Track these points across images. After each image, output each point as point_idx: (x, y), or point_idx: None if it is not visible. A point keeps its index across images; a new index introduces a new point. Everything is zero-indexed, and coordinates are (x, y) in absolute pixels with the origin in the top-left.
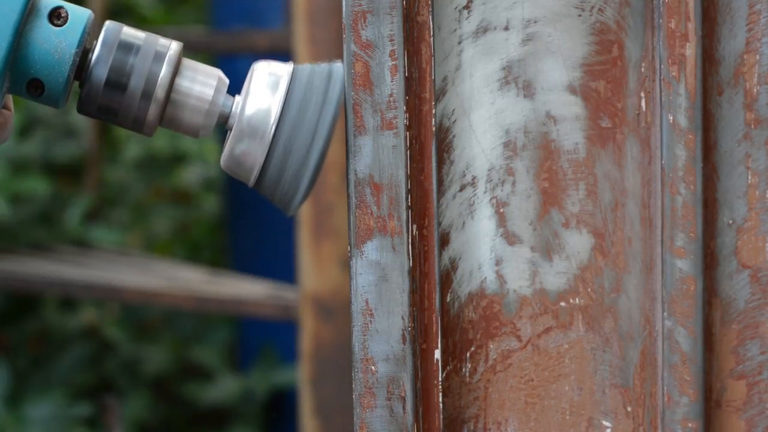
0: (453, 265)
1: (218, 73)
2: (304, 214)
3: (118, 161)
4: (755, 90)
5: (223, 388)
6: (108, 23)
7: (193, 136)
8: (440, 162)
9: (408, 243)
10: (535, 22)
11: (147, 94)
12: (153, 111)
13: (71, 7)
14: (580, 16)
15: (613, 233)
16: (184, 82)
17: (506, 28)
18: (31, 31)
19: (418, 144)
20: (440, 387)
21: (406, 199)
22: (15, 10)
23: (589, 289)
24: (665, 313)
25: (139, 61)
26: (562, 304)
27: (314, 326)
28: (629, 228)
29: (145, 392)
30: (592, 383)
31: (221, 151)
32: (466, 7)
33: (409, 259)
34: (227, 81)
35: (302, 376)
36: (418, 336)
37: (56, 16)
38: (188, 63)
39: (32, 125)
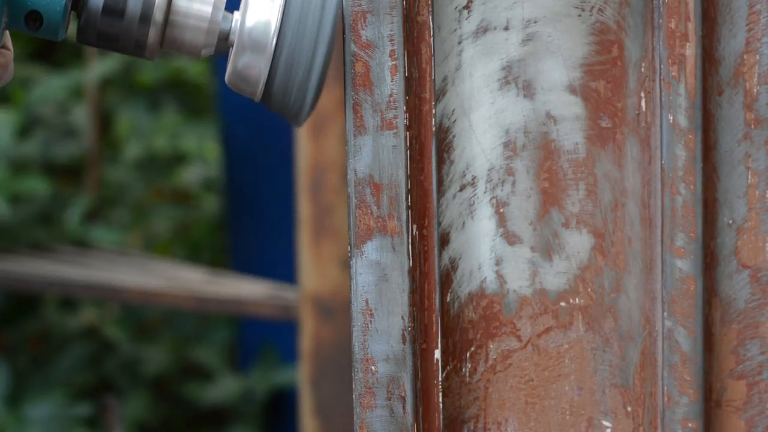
0: (453, 265)
1: None
2: (304, 214)
3: (118, 161)
4: (755, 90)
5: (223, 388)
6: None
7: (196, 57)
8: (440, 162)
9: (408, 243)
10: (535, 22)
11: (145, 18)
12: (153, 34)
13: None
14: (580, 16)
15: (613, 233)
16: (181, 2)
17: (506, 28)
18: None
19: (418, 144)
20: (440, 387)
21: (406, 199)
22: None
23: (589, 289)
24: (665, 313)
25: None
26: (562, 304)
27: (314, 326)
28: (629, 228)
29: (145, 392)
30: (592, 383)
31: (226, 66)
32: (466, 7)
33: (409, 259)
34: None
35: (302, 376)
36: (418, 336)
37: None
38: None
39: (32, 125)
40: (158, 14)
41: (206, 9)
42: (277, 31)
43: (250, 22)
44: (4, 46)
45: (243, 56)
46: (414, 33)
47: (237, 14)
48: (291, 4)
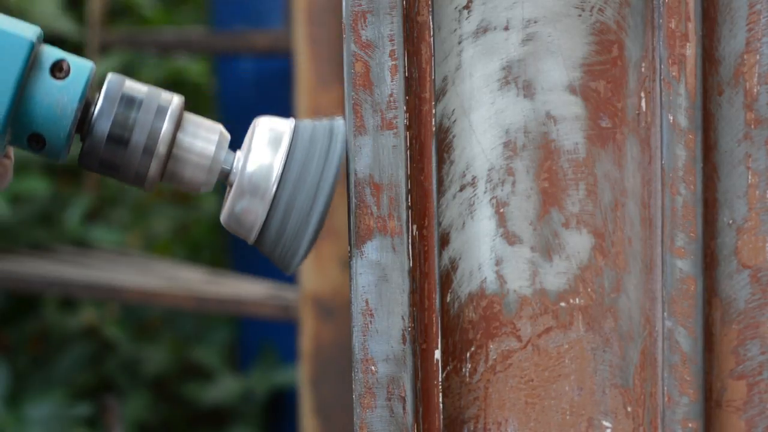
0: (453, 265)
1: (219, 128)
2: None
3: None
4: (755, 90)
5: (223, 388)
6: (110, 76)
7: (194, 192)
8: (440, 162)
9: (408, 243)
10: (535, 22)
11: (149, 150)
12: (155, 167)
13: (73, 59)
14: (580, 16)
15: (613, 233)
16: (186, 138)
17: (506, 28)
18: (33, 85)
19: (418, 144)
20: (440, 387)
21: (406, 199)
22: (17, 65)
23: (589, 289)
24: (665, 313)
25: (142, 115)
26: (562, 304)
27: (314, 326)
28: (629, 228)
29: (145, 392)
30: (592, 383)
31: (222, 207)
32: (466, 7)
33: (409, 259)
34: (228, 136)
35: (302, 376)
36: (418, 336)
37: (58, 68)
38: (190, 117)
39: None
40: (162, 147)
41: (209, 147)
42: (278, 180)
43: (251, 166)
44: (5, 156)
45: (241, 200)
46: (414, 33)
47: (239, 154)
48: (295, 151)
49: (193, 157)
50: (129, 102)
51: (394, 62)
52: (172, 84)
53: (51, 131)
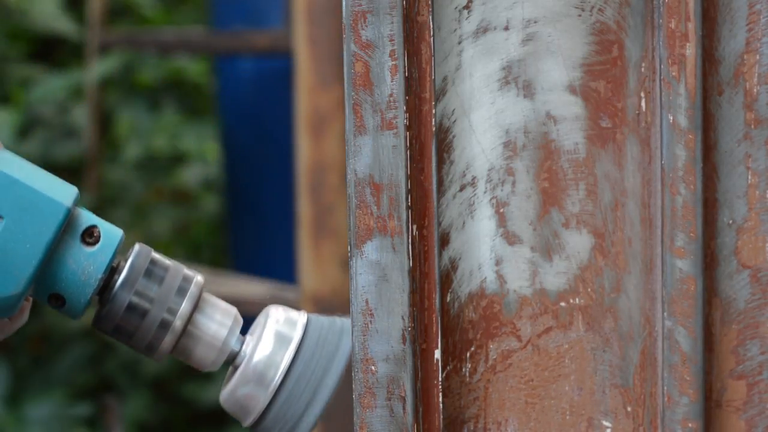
0: (453, 265)
1: (234, 312)
2: (304, 214)
3: (118, 161)
4: (755, 90)
5: None
6: (138, 247)
7: (200, 369)
8: (440, 162)
9: (408, 243)
10: (535, 22)
11: (165, 324)
12: (168, 341)
13: (104, 227)
14: (580, 16)
15: (613, 233)
16: (202, 319)
17: (506, 28)
18: (62, 249)
19: (418, 144)
20: (440, 387)
21: (406, 199)
22: (50, 230)
23: (589, 289)
24: (665, 313)
25: (163, 290)
26: (562, 304)
27: None
28: (629, 228)
29: (145, 392)
30: (592, 383)
31: (224, 386)
32: (466, 7)
33: (409, 259)
34: (241, 321)
35: None
36: (418, 336)
37: (89, 234)
38: (208, 298)
39: (32, 125)
40: (179, 324)
41: (222, 331)
42: (283, 374)
43: (259, 356)
44: (25, 298)
45: (245, 386)
46: (414, 33)
47: (249, 339)
48: (303, 347)
49: (205, 337)
50: (153, 276)
51: (394, 62)
52: (172, 84)
53: (73, 295)
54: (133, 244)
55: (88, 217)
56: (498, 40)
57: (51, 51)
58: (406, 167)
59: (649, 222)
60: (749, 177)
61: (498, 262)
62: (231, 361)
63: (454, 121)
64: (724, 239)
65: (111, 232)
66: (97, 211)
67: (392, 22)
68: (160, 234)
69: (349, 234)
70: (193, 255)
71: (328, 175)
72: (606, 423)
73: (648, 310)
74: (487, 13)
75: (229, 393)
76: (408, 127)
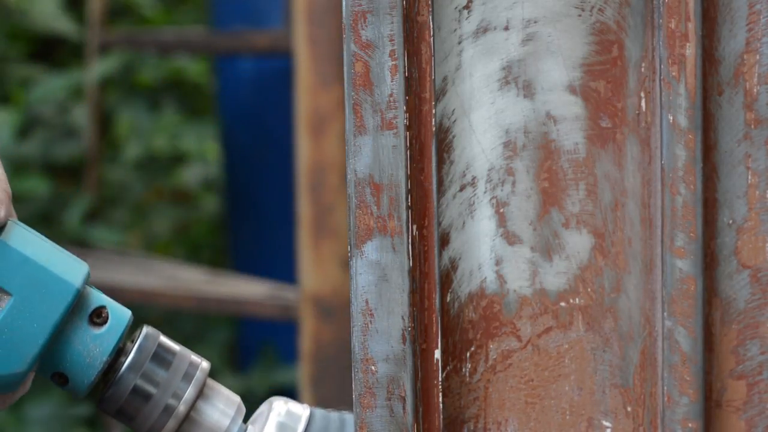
0: (453, 265)
1: (237, 400)
2: (304, 214)
3: (118, 161)
4: (755, 90)
5: None
6: (146, 329)
7: None
8: (440, 162)
9: (408, 243)
10: (535, 22)
11: (169, 409)
12: (171, 425)
13: (113, 307)
14: (580, 16)
15: (613, 233)
16: (205, 406)
17: (506, 28)
18: (69, 329)
19: (418, 144)
20: (440, 387)
21: (406, 199)
22: (59, 310)
23: (589, 289)
24: (665, 313)
25: (170, 376)
26: (562, 304)
27: (314, 326)
28: (629, 228)
29: None
30: (592, 383)
31: None
32: (466, 7)
33: (409, 259)
34: (244, 410)
35: (302, 376)
36: (418, 336)
37: (97, 314)
38: (212, 385)
39: (32, 125)
40: (182, 409)
41: (224, 421)
42: None
43: None
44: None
45: None
46: (414, 33)
47: (251, 430)
48: None
49: (207, 424)
50: (160, 360)
51: (394, 62)
52: (172, 84)
53: (77, 376)
54: (140, 327)
55: (97, 298)
56: (498, 40)
57: (51, 51)
58: (406, 167)
59: (649, 222)
60: (749, 177)
61: (498, 262)
62: None
63: (454, 121)
64: (724, 239)
65: (119, 314)
66: (97, 211)
67: (392, 22)
68: (160, 234)
69: (349, 234)
70: (193, 255)
71: (328, 175)
72: (606, 423)
73: (648, 310)
74: (487, 13)
75: None
76: (408, 127)
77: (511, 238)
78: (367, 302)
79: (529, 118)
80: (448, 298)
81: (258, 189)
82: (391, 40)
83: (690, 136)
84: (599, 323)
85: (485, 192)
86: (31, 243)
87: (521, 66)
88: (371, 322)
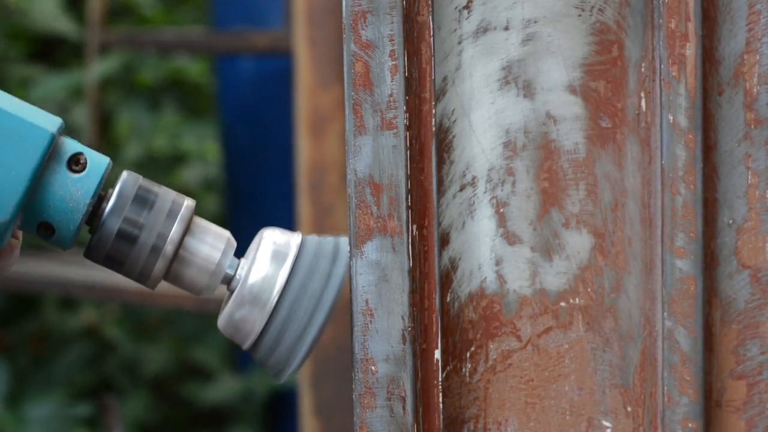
0: (453, 265)
1: (227, 235)
2: (304, 214)
3: (118, 161)
4: (755, 90)
5: (223, 388)
6: (125, 174)
7: (195, 294)
8: (440, 162)
9: (408, 243)
10: (535, 22)
11: (156, 250)
12: (160, 266)
13: (91, 154)
14: (580, 16)
15: (613, 233)
16: (193, 242)
17: (506, 28)
18: (49, 176)
19: (418, 144)
20: (440, 387)
21: (406, 199)
22: (36, 156)
23: (589, 289)
24: (665, 313)
25: (153, 216)
26: (562, 304)
27: None
28: (629, 228)
29: (145, 392)
30: (592, 383)
31: (221, 311)
32: (466, 7)
33: (409, 259)
34: (235, 244)
35: (302, 376)
36: (418, 336)
37: (75, 161)
38: (199, 222)
39: None
40: (170, 248)
41: (215, 254)
42: (279, 294)
43: (254, 278)
44: (13, 236)
45: (241, 308)
46: (414, 33)
47: (243, 262)
48: (298, 267)
49: (198, 260)
50: (141, 202)
51: (394, 62)
52: (172, 84)
53: (61, 222)
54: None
55: (73, 146)
56: (498, 40)
57: (51, 51)
58: (406, 167)
59: (649, 222)
60: (749, 177)
61: (498, 262)
62: (227, 285)
63: (454, 121)
64: (724, 239)
65: (97, 160)
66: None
67: (392, 22)
68: None
69: (349, 234)
70: None
71: (328, 175)
72: (606, 423)
73: (648, 310)
74: (487, 13)
75: (226, 317)
76: (408, 127)
77: (511, 238)
78: (367, 302)
79: (529, 118)
80: (448, 298)
81: (258, 189)
82: (391, 40)
83: (690, 136)
84: (599, 323)
85: (485, 192)
86: (3, 97)
87: (521, 66)
88: (371, 322)
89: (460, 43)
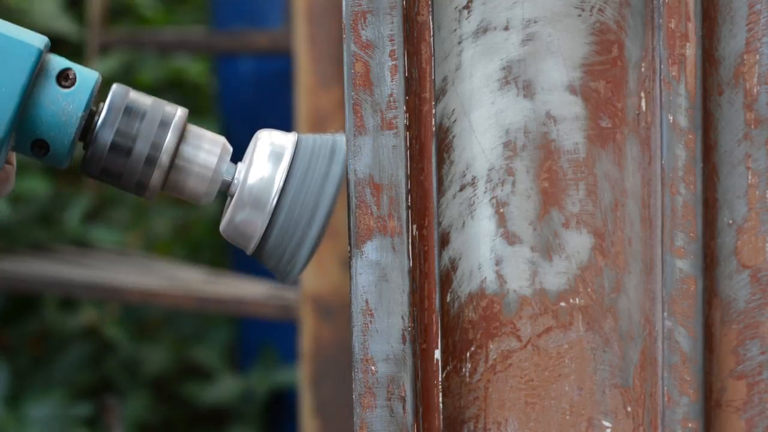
0: (453, 265)
1: (222, 140)
2: None
3: None
4: (755, 90)
5: (223, 388)
6: (115, 86)
7: (195, 203)
8: (440, 162)
9: (408, 243)
10: (535, 22)
11: (151, 160)
12: (156, 176)
13: (79, 69)
14: (580, 16)
15: (613, 233)
16: (188, 149)
17: (506, 28)
18: (39, 92)
19: (418, 144)
20: (440, 387)
21: (406, 199)
22: (24, 72)
23: (589, 289)
24: (665, 313)
25: (145, 126)
26: (562, 304)
27: (314, 326)
28: (629, 228)
29: (145, 392)
30: (592, 383)
31: (222, 216)
32: (466, 7)
33: (409, 259)
34: (230, 149)
35: (302, 376)
36: (418, 336)
37: (64, 77)
38: (193, 129)
39: None
40: (165, 157)
41: (212, 159)
42: (278, 193)
43: (252, 179)
44: (7, 162)
45: (242, 211)
46: (414, 33)
47: (241, 166)
48: (296, 165)
49: (195, 168)
50: (133, 113)
51: (394, 62)
52: (172, 84)
53: (55, 138)
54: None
55: (61, 62)
56: (498, 40)
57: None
58: (406, 167)
59: (649, 222)
60: (749, 177)
61: (498, 262)
62: (225, 190)
63: (454, 121)
64: (724, 239)
65: (86, 74)
66: (97, 211)
67: (392, 22)
68: (160, 234)
69: (349, 234)
70: (193, 255)
71: None
72: (606, 423)
73: (648, 310)
74: (487, 13)
75: (227, 222)
76: (408, 127)
77: (511, 238)
78: (367, 302)
79: (529, 118)
80: (448, 298)
81: None
82: (391, 40)
83: (690, 136)
84: (599, 323)
85: (485, 192)
86: None
87: (521, 66)
88: (371, 322)
89: (460, 43)
